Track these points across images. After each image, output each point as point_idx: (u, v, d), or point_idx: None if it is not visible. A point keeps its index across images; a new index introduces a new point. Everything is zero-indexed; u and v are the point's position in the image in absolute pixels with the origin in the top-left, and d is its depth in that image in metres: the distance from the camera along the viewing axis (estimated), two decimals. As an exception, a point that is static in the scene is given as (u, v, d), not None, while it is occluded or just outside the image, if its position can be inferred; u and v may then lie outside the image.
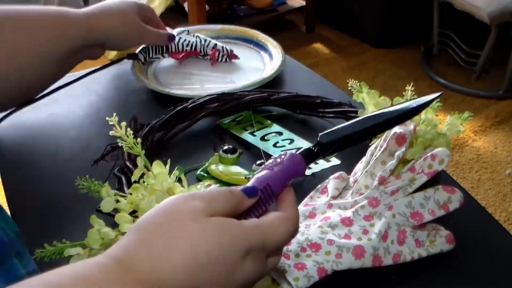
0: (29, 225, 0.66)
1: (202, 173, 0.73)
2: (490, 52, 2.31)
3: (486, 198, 1.84)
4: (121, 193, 0.59)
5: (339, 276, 0.54)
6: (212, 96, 0.81)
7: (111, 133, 0.57)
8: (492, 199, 1.83)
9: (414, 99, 0.60)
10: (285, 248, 0.53)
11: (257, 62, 1.00)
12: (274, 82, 0.93)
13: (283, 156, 0.50)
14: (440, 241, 0.58)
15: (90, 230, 0.53)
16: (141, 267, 0.38)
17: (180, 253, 0.39)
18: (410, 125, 0.63)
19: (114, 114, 0.57)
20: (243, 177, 0.72)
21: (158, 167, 0.57)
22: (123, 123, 0.57)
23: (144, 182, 0.57)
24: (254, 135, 0.78)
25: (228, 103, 0.80)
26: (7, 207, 0.70)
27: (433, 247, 0.58)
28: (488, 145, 2.07)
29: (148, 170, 0.58)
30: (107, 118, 0.57)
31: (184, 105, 0.79)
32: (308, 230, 0.57)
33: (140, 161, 0.57)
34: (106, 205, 0.56)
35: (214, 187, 0.70)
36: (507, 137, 2.11)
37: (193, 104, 0.79)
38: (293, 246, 0.54)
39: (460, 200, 0.59)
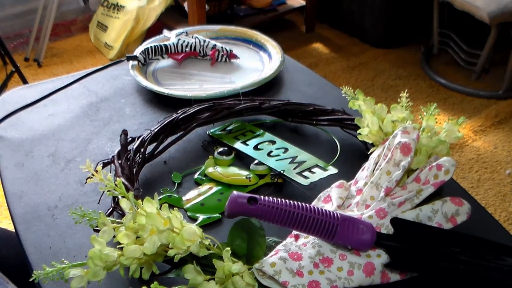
0: (29, 227, 0.66)
1: (200, 176, 0.73)
2: (490, 52, 2.31)
3: (486, 198, 1.83)
4: (118, 221, 0.55)
5: None
6: (202, 106, 0.79)
7: (88, 181, 0.54)
8: (492, 199, 1.83)
9: (410, 105, 0.60)
10: (297, 264, 0.53)
11: (256, 63, 1.00)
12: (274, 82, 0.93)
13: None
14: None
15: (91, 250, 0.51)
16: None
17: None
18: (413, 134, 0.63)
19: (87, 160, 0.54)
20: (244, 177, 0.71)
21: (149, 205, 0.53)
22: (99, 167, 0.54)
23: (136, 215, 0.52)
24: (247, 145, 0.77)
25: (219, 113, 0.78)
26: (7, 207, 0.70)
27: None
28: (488, 145, 2.07)
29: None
30: (80, 167, 0.54)
31: (174, 117, 0.77)
32: (319, 241, 0.56)
33: (127, 204, 0.54)
34: (106, 236, 0.53)
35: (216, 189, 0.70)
36: (507, 137, 2.11)
37: (183, 115, 0.77)
38: (305, 261, 0.54)
39: (468, 213, 0.59)
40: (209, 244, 0.54)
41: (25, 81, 2.15)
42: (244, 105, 0.79)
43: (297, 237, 0.58)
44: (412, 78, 2.47)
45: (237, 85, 0.90)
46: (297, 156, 0.74)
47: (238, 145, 0.77)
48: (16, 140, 0.82)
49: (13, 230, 0.68)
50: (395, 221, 0.55)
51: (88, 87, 0.94)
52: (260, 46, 1.03)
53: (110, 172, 0.70)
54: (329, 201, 0.63)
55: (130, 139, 0.73)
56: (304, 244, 0.56)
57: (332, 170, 0.71)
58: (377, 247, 0.55)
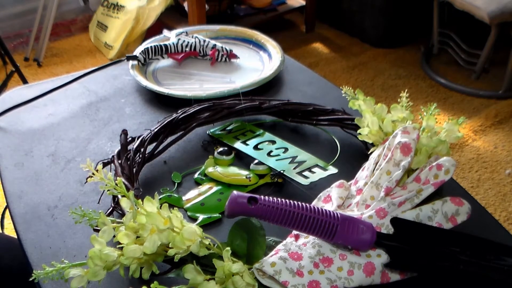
0: (29, 227, 0.66)
1: (200, 176, 0.73)
2: (490, 52, 2.31)
3: (486, 198, 1.83)
4: (118, 221, 0.55)
5: None
6: (202, 106, 0.79)
7: (89, 180, 0.54)
8: (492, 199, 1.83)
9: (410, 105, 0.60)
10: (297, 264, 0.53)
11: (256, 62, 1.00)
12: (274, 82, 0.93)
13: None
14: None
15: (91, 250, 0.51)
16: None
17: None
18: (413, 133, 0.63)
19: (88, 159, 0.54)
20: (244, 177, 0.71)
21: (149, 204, 0.53)
22: (100, 166, 0.54)
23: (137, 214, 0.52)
24: (247, 144, 0.77)
25: (219, 113, 0.78)
26: (7, 207, 0.70)
27: None
28: (488, 144, 2.07)
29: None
30: (81, 166, 0.54)
31: (174, 116, 0.76)
32: (319, 241, 0.56)
33: (127, 203, 0.53)
34: (106, 235, 0.53)
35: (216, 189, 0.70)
36: (507, 137, 2.11)
37: (183, 115, 0.77)
38: (305, 261, 0.54)
39: (468, 212, 0.59)
40: (209, 244, 0.54)
41: (25, 81, 2.15)
42: (244, 105, 0.79)
43: (297, 237, 0.58)
44: (412, 78, 2.47)
45: (237, 85, 0.90)
46: (297, 156, 0.74)
47: (238, 145, 0.77)
48: (16, 140, 0.81)
49: (15, 236, 0.68)
50: (395, 221, 0.55)
51: (88, 86, 0.94)
52: (260, 46, 1.03)
53: (110, 172, 0.70)
54: (329, 201, 0.63)
55: (130, 139, 0.73)
56: (304, 244, 0.56)
57: (332, 170, 0.71)
58: (377, 247, 0.55)
